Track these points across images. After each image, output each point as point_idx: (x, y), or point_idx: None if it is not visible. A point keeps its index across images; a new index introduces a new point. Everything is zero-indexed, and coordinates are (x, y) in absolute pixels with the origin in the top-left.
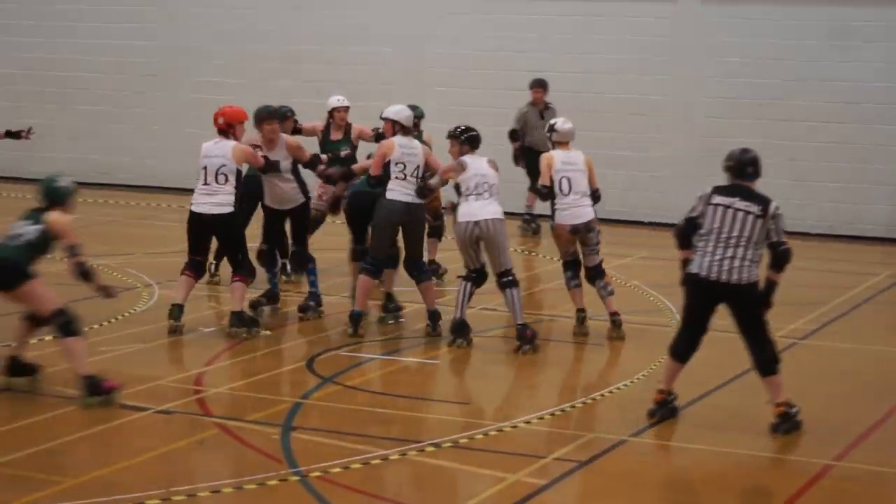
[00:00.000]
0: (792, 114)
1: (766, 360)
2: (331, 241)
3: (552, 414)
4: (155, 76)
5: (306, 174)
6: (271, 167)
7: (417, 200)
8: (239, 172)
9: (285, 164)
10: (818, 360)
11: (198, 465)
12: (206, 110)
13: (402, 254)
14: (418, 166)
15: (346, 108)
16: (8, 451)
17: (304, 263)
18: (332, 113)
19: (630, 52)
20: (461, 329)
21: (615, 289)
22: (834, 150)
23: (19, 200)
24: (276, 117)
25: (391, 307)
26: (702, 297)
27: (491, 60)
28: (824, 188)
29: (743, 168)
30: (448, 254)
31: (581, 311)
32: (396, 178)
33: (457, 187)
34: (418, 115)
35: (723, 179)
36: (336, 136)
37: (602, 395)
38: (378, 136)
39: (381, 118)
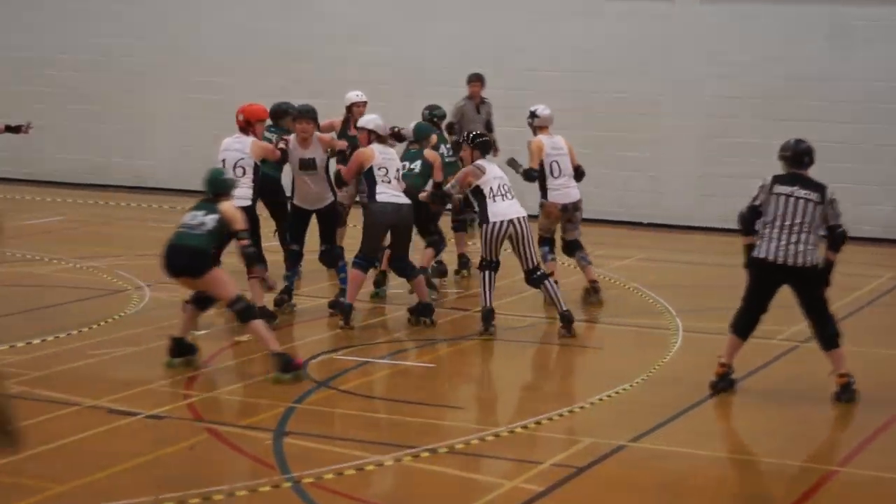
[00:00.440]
0: (792, 113)
1: (829, 335)
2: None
3: (550, 418)
4: (144, 75)
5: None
6: (285, 161)
7: (407, 201)
8: (257, 167)
9: (319, 162)
10: (821, 363)
11: (188, 472)
12: (197, 110)
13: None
14: (398, 168)
15: (365, 104)
16: None
17: (336, 261)
18: (350, 108)
19: (629, 52)
20: (491, 317)
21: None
22: (834, 150)
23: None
24: (310, 117)
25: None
26: (767, 279)
27: (489, 60)
28: None
29: (800, 157)
30: (446, 256)
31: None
32: (383, 181)
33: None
34: (440, 115)
35: (725, 183)
36: (354, 131)
37: (601, 399)
38: (396, 136)
39: (356, 128)
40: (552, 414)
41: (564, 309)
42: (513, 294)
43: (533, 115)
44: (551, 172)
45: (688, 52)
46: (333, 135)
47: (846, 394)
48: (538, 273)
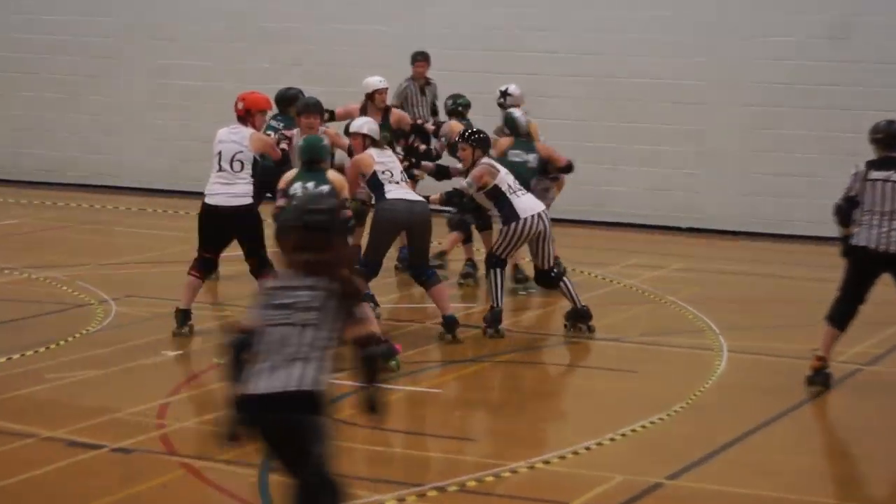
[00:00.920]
0: (850, 102)
1: None
2: None
3: (575, 452)
4: (112, 58)
5: None
6: (286, 161)
7: (420, 199)
8: (256, 161)
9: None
10: (887, 388)
11: None
12: (172, 97)
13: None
14: (401, 171)
15: (386, 90)
16: None
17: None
18: (372, 95)
19: (662, 31)
20: (501, 318)
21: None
22: None
23: None
24: (317, 111)
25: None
26: (867, 268)
27: (499, 39)
28: None
29: (893, 140)
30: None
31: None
32: (389, 182)
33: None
34: (464, 105)
35: (774, 181)
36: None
37: (633, 431)
38: (415, 128)
39: (348, 133)
40: (577, 447)
41: (582, 305)
42: (531, 308)
43: (506, 94)
44: None
45: (733, 32)
46: (340, 130)
47: None
48: (555, 272)
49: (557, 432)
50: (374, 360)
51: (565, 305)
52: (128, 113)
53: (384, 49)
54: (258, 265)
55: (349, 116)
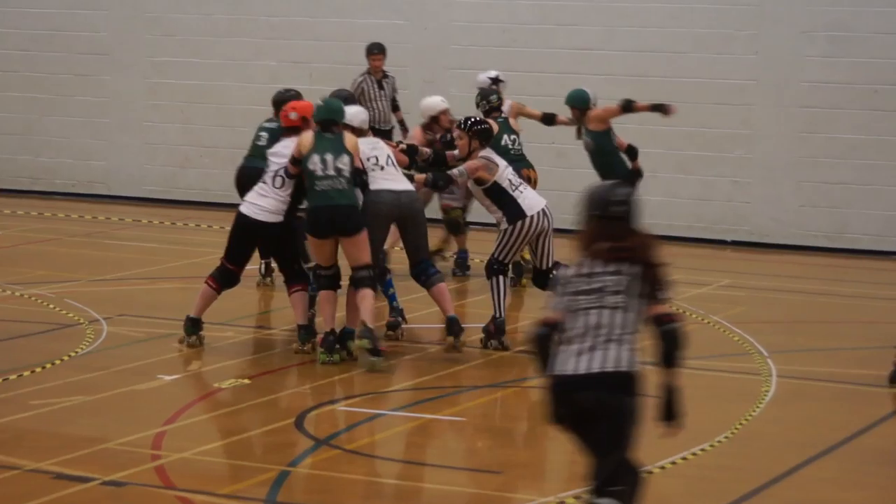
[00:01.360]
0: None
1: None
2: None
3: None
4: (105, 55)
5: None
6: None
7: (408, 188)
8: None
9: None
10: None
11: None
12: (169, 98)
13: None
14: (388, 155)
15: (449, 109)
16: None
17: (379, 278)
18: (437, 117)
19: (707, 26)
20: (503, 329)
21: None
22: None
23: None
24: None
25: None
26: None
27: (527, 36)
28: None
29: None
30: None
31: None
32: (372, 170)
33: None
34: (498, 99)
35: (830, 190)
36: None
37: (673, 463)
38: (446, 144)
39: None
40: None
41: None
42: None
43: (498, 80)
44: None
45: (782, 25)
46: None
47: None
48: (553, 274)
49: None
50: (675, 336)
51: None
52: (120, 115)
53: (402, 46)
54: (290, 277)
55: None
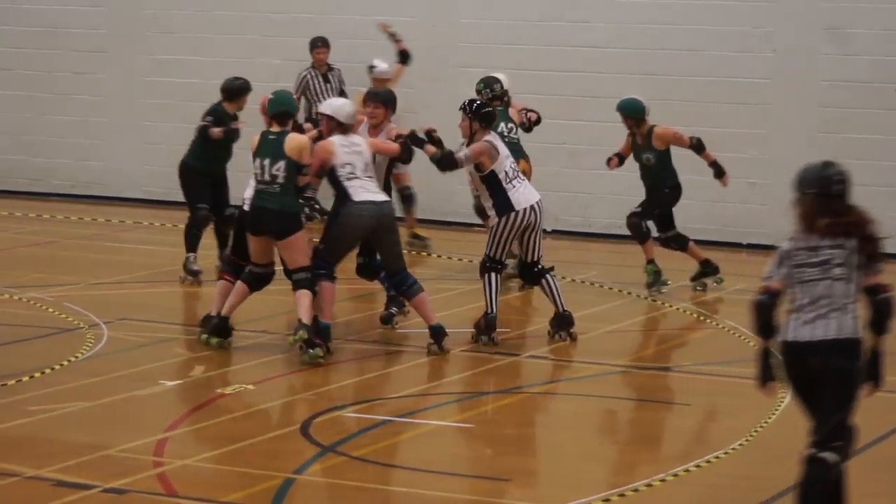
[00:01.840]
0: None
1: None
2: None
3: (621, 495)
4: (103, 52)
5: None
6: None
7: (386, 199)
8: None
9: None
10: None
11: None
12: (168, 96)
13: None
14: (367, 163)
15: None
16: None
17: (376, 273)
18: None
19: (722, 23)
20: (495, 325)
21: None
22: None
23: None
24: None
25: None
26: None
27: (536, 33)
28: None
29: None
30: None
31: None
32: (349, 179)
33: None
34: (501, 88)
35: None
36: None
37: (686, 471)
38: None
39: (318, 114)
40: (624, 489)
41: (564, 310)
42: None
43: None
44: None
45: (799, 22)
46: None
47: None
48: (539, 267)
49: (601, 472)
50: (888, 306)
51: (613, 332)
52: (119, 115)
53: (409, 44)
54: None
55: None
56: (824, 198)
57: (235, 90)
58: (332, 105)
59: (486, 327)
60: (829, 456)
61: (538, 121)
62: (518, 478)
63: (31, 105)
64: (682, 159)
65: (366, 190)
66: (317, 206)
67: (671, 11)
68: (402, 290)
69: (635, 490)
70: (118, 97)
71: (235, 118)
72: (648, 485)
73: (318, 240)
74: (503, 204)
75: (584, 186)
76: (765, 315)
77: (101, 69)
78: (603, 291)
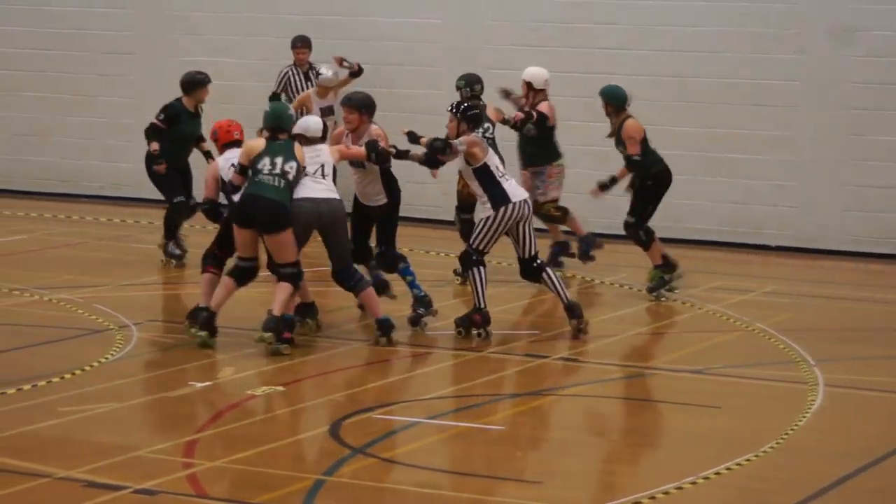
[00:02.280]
0: None
1: None
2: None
3: (652, 497)
4: (130, 55)
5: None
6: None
7: (330, 196)
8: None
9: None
10: None
11: None
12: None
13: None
14: (323, 164)
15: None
16: None
17: (394, 264)
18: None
19: (748, 25)
20: (488, 319)
21: None
22: None
23: None
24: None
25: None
26: None
27: (561, 35)
28: None
29: None
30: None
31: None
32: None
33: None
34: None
35: (876, 194)
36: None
37: (717, 474)
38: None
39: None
40: (654, 491)
41: (569, 300)
42: (602, 337)
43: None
44: None
45: (825, 25)
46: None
47: None
48: (538, 262)
49: (631, 475)
50: None
51: (643, 334)
52: (147, 117)
53: (435, 45)
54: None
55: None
56: None
57: (192, 84)
58: (300, 125)
59: (481, 322)
60: None
61: (526, 121)
62: (548, 480)
63: (59, 107)
64: (706, 161)
65: (306, 188)
66: None
67: (696, 13)
68: (347, 286)
69: (666, 493)
70: (146, 99)
71: (196, 114)
72: (679, 487)
73: None
74: (499, 196)
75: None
76: None
77: (130, 71)
78: (632, 294)
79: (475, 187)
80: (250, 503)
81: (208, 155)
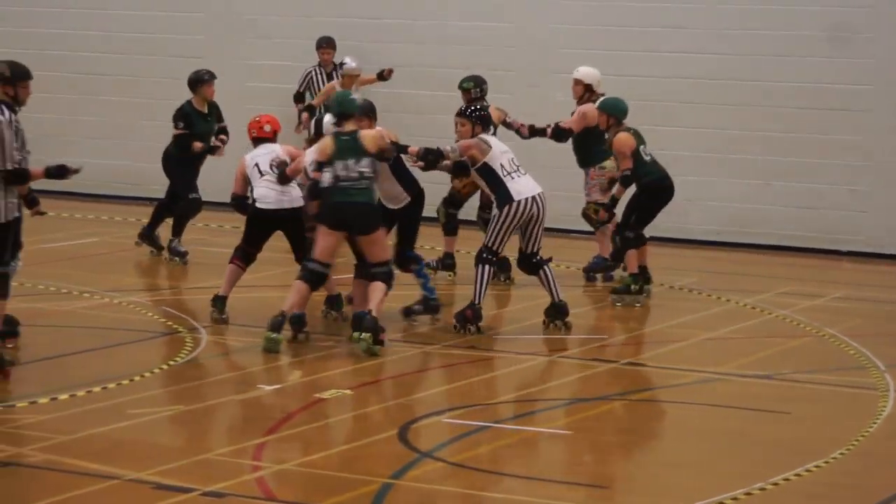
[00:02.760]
0: None
1: None
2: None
3: (720, 503)
4: (200, 59)
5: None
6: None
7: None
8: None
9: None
10: None
11: None
12: (265, 102)
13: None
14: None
15: None
16: None
17: (408, 265)
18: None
19: (818, 28)
20: (480, 316)
21: None
22: None
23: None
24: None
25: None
26: None
27: (631, 39)
28: None
29: None
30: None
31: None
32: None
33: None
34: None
35: None
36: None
37: (786, 479)
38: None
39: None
40: (724, 497)
41: (560, 300)
42: (670, 342)
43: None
44: None
45: None
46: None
47: None
48: (537, 258)
49: (700, 480)
50: None
51: (712, 339)
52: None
53: (505, 50)
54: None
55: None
56: None
57: (196, 82)
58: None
59: (473, 317)
60: None
61: (537, 133)
62: (616, 485)
63: (130, 109)
64: (778, 165)
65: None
66: None
67: (770, 17)
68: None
69: (734, 499)
70: (218, 100)
71: (208, 117)
72: (748, 493)
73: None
74: (503, 195)
75: (682, 192)
76: None
77: None
78: (701, 298)
79: (483, 187)
80: None
81: (212, 150)
